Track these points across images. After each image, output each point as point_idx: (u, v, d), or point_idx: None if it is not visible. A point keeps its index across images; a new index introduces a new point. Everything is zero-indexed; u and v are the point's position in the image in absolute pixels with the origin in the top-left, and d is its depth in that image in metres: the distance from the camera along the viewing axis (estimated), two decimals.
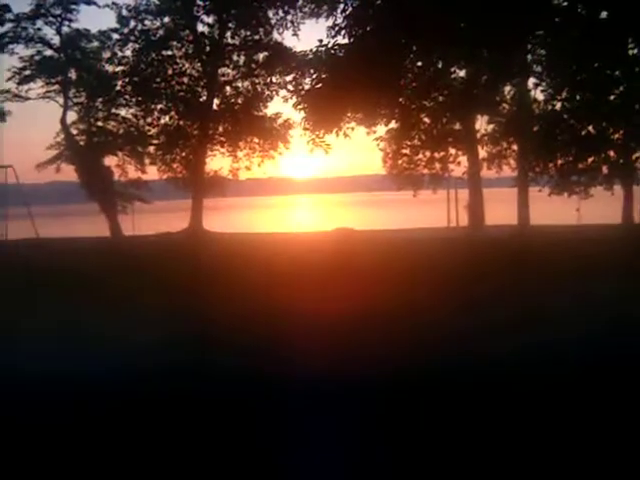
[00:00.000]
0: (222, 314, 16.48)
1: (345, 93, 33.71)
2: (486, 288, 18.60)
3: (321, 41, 37.10)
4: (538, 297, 17.59)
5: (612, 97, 38.18)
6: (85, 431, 9.00)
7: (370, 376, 10.89)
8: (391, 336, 13.66)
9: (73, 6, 49.72)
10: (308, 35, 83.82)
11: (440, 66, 39.11)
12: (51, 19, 49.43)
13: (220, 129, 52.68)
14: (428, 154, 44.93)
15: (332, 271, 23.08)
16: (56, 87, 50.75)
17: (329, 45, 36.85)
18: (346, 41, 36.37)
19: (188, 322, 15.54)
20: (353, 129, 38.54)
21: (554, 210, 47.42)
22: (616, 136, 40.25)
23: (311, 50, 37.72)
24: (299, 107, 37.52)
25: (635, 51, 36.64)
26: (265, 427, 9.02)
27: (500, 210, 46.21)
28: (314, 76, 37.39)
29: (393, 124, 42.28)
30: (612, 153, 40.91)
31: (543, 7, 33.94)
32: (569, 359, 11.69)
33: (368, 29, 35.44)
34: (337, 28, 36.94)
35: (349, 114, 37.97)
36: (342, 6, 38.98)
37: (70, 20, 49.90)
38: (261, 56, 51.40)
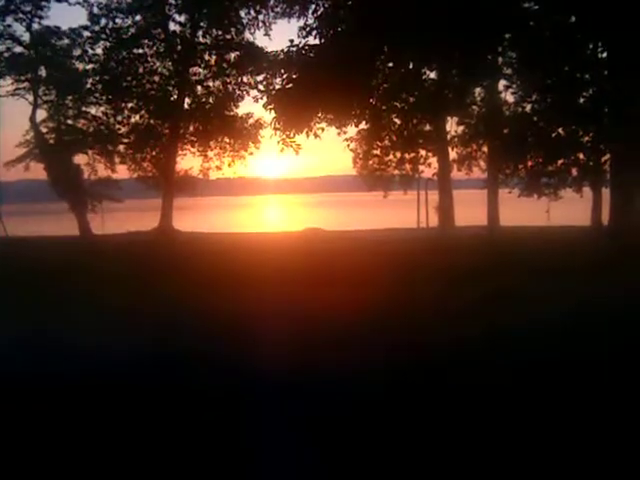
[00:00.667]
0: (183, 313, 16.44)
1: (316, 93, 33.67)
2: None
3: (292, 41, 37.12)
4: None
5: (581, 100, 38.41)
6: None
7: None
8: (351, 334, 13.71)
9: (44, 3, 49.36)
10: (280, 35, 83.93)
11: (411, 67, 39.15)
12: (21, 16, 49.05)
13: (191, 128, 52.61)
14: (398, 155, 45.10)
15: (300, 270, 23.10)
16: (26, 84, 50.34)
17: (300, 45, 36.86)
18: (317, 42, 36.40)
19: (142, 323, 15.43)
20: (324, 129, 38.52)
21: (525, 212, 47.66)
22: (585, 138, 40.48)
23: (282, 50, 37.70)
24: (269, 107, 37.46)
25: (604, 55, 36.88)
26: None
27: (470, 211, 46.34)
28: (285, 76, 37.35)
29: (364, 125, 42.34)
30: (581, 155, 41.15)
31: (513, 10, 34.13)
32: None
33: (339, 29, 35.49)
34: (308, 28, 36.98)
35: (320, 114, 37.94)
36: (313, 7, 39.07)
37: (40, 17, 49.58)
38: (232, 56, 51.30)
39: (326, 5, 37.96)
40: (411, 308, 16.37)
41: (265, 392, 10.33)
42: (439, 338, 13.24)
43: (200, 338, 13.82)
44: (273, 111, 37.35)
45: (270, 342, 13.25)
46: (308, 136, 37.53)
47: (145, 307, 17.23)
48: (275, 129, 37.64)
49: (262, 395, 10.21)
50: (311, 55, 35.91)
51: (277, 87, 39.66)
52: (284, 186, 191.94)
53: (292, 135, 37.42)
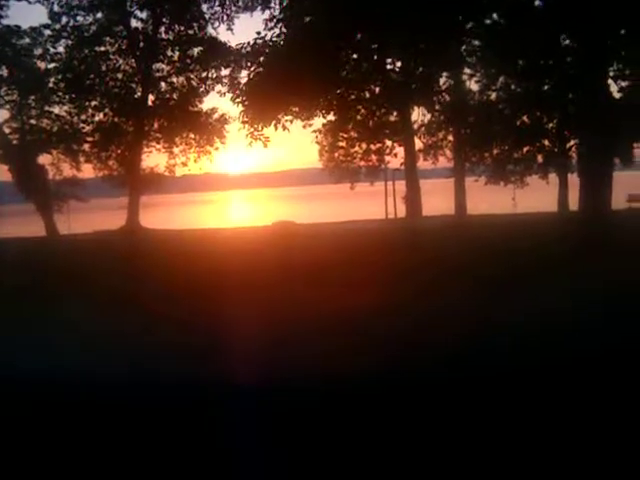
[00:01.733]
0: (154, 312, 16.27)
1: (283, 85, 33.57)
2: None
3: (259, 33, 37.02)
4: None
5: (546, 87, 38.54)
6: None
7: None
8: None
9: (3, 2, 48.89)
10: (243, 30, 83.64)
11: (376, 58, 39.12)
12: None
13: (155, 125, 52.45)
14: (364, 146, 45.08)
15: (271, 264, 23.06)
16: None
17: (266, 38, 36.77)
18: (283, 33, 36.31)
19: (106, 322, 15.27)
20: (291, 122, 38.47)
21: (492, 199, 47.89)
22: (550, 125, 40.69)
23: (248, 43, 37.58)
24: (237, 100, 37.31)
25: (568, 41, 37.00)
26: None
27: (438, 201, 46.48)
28: (252, 68, 37.23)
29: (330, 117, 42.32)
30: (547, 142, 41.38)
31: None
32: None
33: (306, 20, 35.39)
34: (274, 20, 36.89)
35: (287, 106, 37.86)
36: None
37: (0, 16, 49.08)
38: (196, 51, 51.16)
39: None
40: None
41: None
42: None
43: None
44: (240, 104, 37.24)
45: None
46: (277, 128, 37.44)
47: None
48: (243, 122, 37.51)
49: None
50: (277, 47, 35.81)
51: (244, 80, 39.62)
52: (252, 181, 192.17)
53: (260, 128, 37.32)
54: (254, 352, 11.99)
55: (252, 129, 37.04)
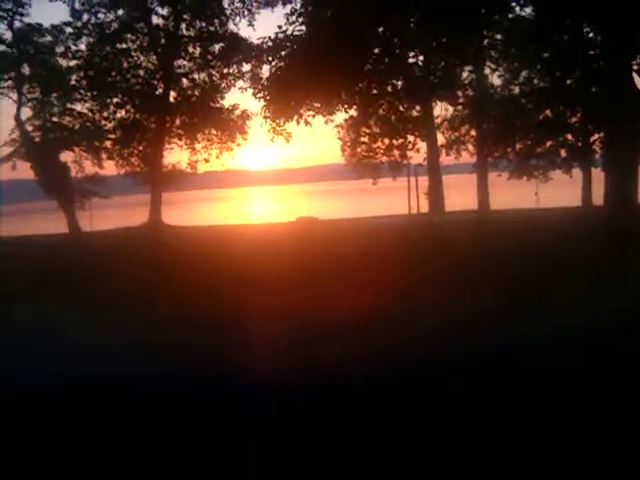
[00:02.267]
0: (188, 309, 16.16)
1: (305, 79, 33.51)
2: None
3: (280, 27, 36.91)
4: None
5: (569, 80, 38.30)
6: None
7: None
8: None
9: (25, 0, 48.92)
10: (264, 26, 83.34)
11: (398, 52, 38.95)
12: (2, 14, 48.64)
13: (177, 122, 52.35)
14: (387, 141, 44.85)
15: (297, 260, 22.95)
16: (9, 83, 49.96)
17: (288, 32, 36.67)
18: (304, 28, 36.23)
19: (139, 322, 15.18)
20: (314, 116, 38.34)
21: (515, 194, 47.59)
22: (574, 120, 40.46)
23: (270, 37, 37.47)
24: (259, 95, 37.25)
25: (591, 34, 36.74)
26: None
27: (460, 196, 46.25)
28: (273, 63, 37.16)
29: (352, 112, 42.18)
30: (570, 137, 41.15)
31: None
32: None
33: (328, 14, 35.28)
34: (296, 14, 36.82)
35: (309, 102, 37.74)
36: None
37: (22, 14, 49.12)
38: (217, 47, 51.05)
39: None
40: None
41: None
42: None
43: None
44: (262, 99, 37.17)
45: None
46: (299, 123, 37.36)
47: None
48: (265, 117, 37.44)
49: None
50: (299, 40, 35.72)
51: (265, 75, 39.56)
52: (274, 177, 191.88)
53: (282, 123, 37.22)
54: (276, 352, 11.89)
55: (274, 124, 36.95)
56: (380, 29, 35.68)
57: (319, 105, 38.58)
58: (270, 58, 37.90)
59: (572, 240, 25.51)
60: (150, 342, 12.71)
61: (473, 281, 17.63)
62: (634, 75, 32.89)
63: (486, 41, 39.58)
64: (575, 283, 16.73)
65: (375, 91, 39.98)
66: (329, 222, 43.40)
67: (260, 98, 36.92)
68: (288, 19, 36.96)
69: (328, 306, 15.21)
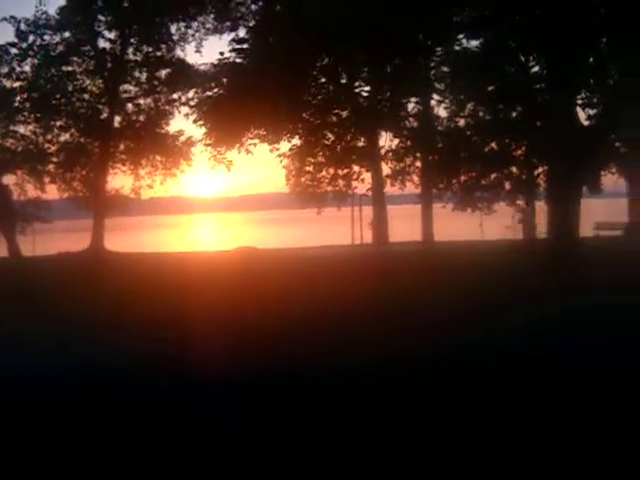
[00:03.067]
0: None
1: (246, 108, 33.35)
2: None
3: (222, 54, 36.77)
4: None
5: (514, 114, 38.61)
6: None
7: None
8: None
9: None
10: (212, 52, 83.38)
11: (344, 81, 39.02)
12: None
13: (121, 147, 51.94)
14: (332, 171, 44.81)
15: (228, 290, 22.79)
16: None
17: (231, 59, 36.56)
18: (247, 55, 36.14)
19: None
20: (255, 145, 38.19)
21: (459, 226, 47.77)
22: (519, 153, 40.79)
23: (212, 64, 37.34)
24: (199, 123, 37.04)
25: (537, 68, 37.10)
26: None
27: (405, 227, 46.30)
28: (215, 90, 36.99)
29: (296, 140, 42.12)
30: (514, 169, 41.45)
31: (446, 23, 34.16)
32: None
33: (271, 41, 35.23)
34: (240, 41, 36.73)
35: (251, 130, 37.61)
36: (245, 18, 38.84)
37: None
38: (163, 72, 50.83)
39: (258, 17, 37.70)
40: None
41: None
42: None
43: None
44: (203, 127, 36.95)
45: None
46: (239, 152, 37.17)
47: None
48: (206, 145, 37.20)
49: None
50: (241, 69, 35.60)
51: (207, 102, 39.29)
52: (219, 204, 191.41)
53: (223, 151, 36.99)
54: None
55: (215, 152, 36.73)
56: (325, 59, 35.67)
57: (263, 133, 38.47)
58: (213, 84, 37.75)
59: (509, 274, 25.67)
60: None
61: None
62: (578, 109, 33.29)
63: (432, 72, 39.84)
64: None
65: (319, 121, 39.92)
66: (268, 251, 43.12)
67: (201, 125, 36.72)
68: (232, 46, 36.87)
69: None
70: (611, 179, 42.59)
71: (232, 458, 8.29)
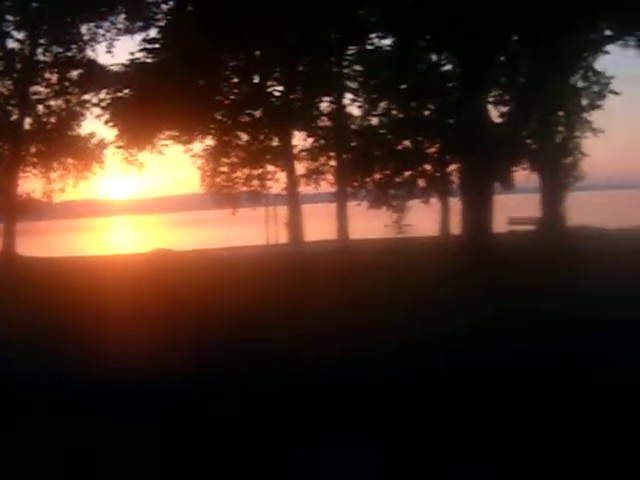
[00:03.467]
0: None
1: (158, 109, 33.07)
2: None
3: (133, 54, 36.37)
4: None
5: (427, 112, 38.95)
6: None
7: None
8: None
9: None
10: (124, 52, 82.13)
11: (256, 81, 38.94)
12: None
13: (32, 149, 50.99)
14: (246, 171, 44.73)
15: (137, 292, 22.57)
16: None
17: (142, 59, 36.19)
18: (157, 55, 35.83)
19: None
20: (167, 146, 37.89)
21: (376, 223, 47.84)
22: (432, 150, 41.16)
23: (123, 64, 36.89)
24: (111, 124, 36.62)
25: (449, 67, 37.51)
26: None
27: (320, 226, 46.35)
28: (125, 91, 36.59)
29: (209, 141, 41.92)
30: (428, 166, 41.78)
31: (358, 22, 34.30)
32: None
33: (181, 41, 34.96)
34: (150, 41, 36.39)
35: (163, 131, 37.30)
36: (156, 18, 38.51)
37: None
38: (74, 73, 49.98)
39: (168, 17, 37.39)
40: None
41: None
42: None
43: None
44: (115, 128, 36.55)
45: None
46: (151, 153, 36.83)
47: None
48: (117, 147, 36.79)
49: None
50: (153, 68, 35.30)
51: (118, 103, 38.86)
52: (134, 207, 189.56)
53: (135, 153, 36.63)
54: None
55: (126, 154, 36.35)
56: (237, 58, 35.52)
57: (176, 134, 38.19)
58: (124, 85, 37.36)
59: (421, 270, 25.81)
60: None
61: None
62: (490, 107, 33.72)
63: (345, 71, 39.97)
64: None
65: (232, 121, 39.78)
66: (183, 253, 42.83)
67: (112, 127, 36.33)
68: (143, 46, 36.51)
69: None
70: (523, 174, 43.24)
71: None
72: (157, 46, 35.72)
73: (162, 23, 38.16)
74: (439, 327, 15.62)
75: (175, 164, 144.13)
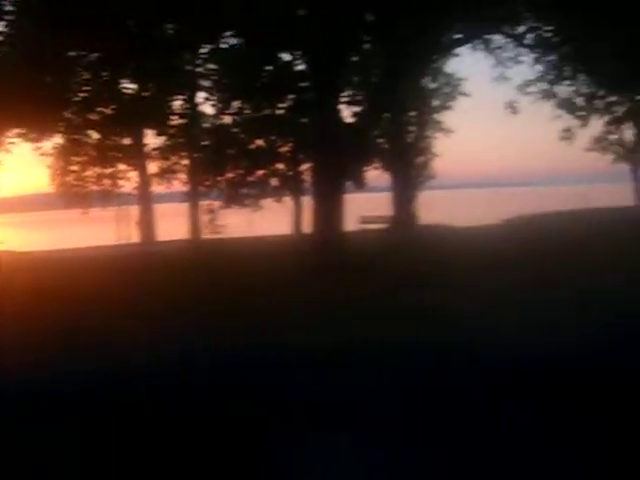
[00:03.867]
0: None
1: (2, 105, 32.02)
2: None
3: None
4: None
5: (280, 111, 38.98)
6: None
7: None
8: None
9: None
10: None
11: (107, 78, 38.15)
12: None
13: None
14: (97, 170, 43.94)
15: None
16: None
17: None
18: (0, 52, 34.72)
19: None
20: (15, 144, 36.87)
21: (230, 222, 47.57)
22: (284, 149, 41.19)
23: None
24: None
25: (303, 66, 37.58)
26: None
27: (172, 225, 45.83)
28: None
29: (59, 139, 40.96)
30: (281, 165, 41.81)
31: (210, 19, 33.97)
32: None
33: (27, 35, 33.91)
34: None
35: (10, 128, 36.25)
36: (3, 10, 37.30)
37: None
38: None
39: (14, 9, 36.23)
40: None
41: None
42: None
43: None
44: None
45: None
46: None
47: None
48: None
49: None
50: None
51: None
52: None
53: None
54: None
55: None
56: (86, 55, 34.65)
57: (23, 132, 37.19)
58: None
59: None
60: None
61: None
62: (342, 107, 33.92)
63: (198, 69, 39.62)
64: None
65: (82, 119, 38.92)
66: (28, 254, 41.46)
67: None
68: None
69: None
70: (375, 174, 43.77)
71: None
72: (1, 39, 34.47)
73: (6, 17, 36.93)
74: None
75: (25, 162, 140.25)
